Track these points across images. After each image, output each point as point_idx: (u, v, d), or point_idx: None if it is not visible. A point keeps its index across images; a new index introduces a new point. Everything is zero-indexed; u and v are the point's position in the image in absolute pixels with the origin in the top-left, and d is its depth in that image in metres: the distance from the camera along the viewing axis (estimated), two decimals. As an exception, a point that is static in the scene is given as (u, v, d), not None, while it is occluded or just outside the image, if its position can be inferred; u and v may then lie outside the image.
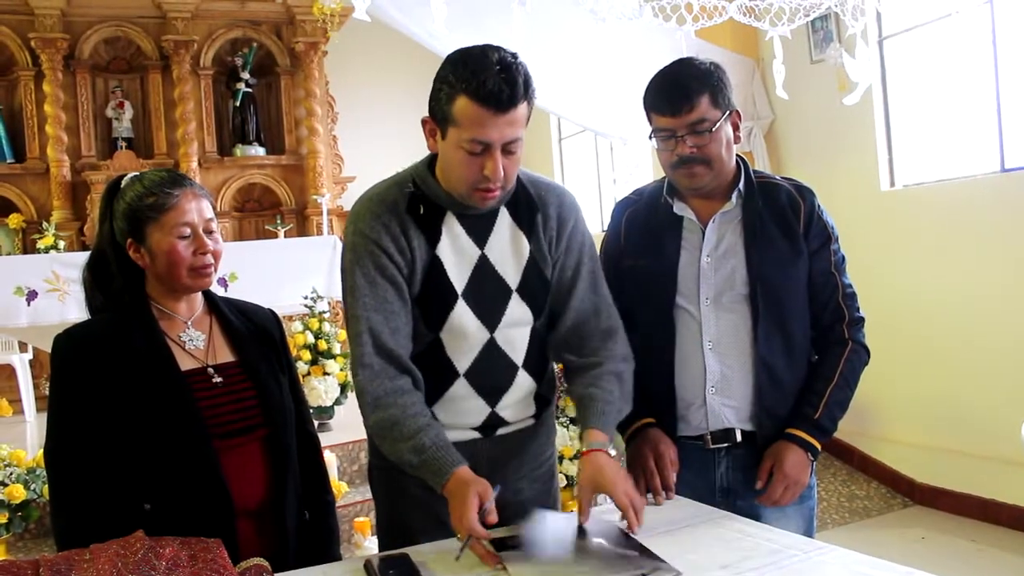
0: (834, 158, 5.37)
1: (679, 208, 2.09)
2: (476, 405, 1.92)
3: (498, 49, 1.72)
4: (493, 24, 4.19)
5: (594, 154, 8.23)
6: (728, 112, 2.00)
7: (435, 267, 1.84)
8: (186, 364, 1.83)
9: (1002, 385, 4.36)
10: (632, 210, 2.19)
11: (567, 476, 4.16)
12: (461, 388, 1.91)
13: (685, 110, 1.95)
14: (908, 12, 4.73)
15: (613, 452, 1.98)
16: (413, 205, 1.85)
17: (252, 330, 1.97)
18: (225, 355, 1.90)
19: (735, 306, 2.04)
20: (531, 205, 1.91)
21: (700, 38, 4.59)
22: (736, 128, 2.05)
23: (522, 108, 1.71)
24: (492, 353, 1.90)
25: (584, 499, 1.79)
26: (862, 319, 2.11)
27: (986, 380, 4.46)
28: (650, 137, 2.07)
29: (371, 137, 8.64)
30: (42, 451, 1.82)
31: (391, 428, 1.77)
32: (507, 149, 1.72)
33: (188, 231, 1.81)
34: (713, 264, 2.05)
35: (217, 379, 1.85)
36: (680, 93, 1.96)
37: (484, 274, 1.87)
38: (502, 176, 1.73)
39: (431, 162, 1.87)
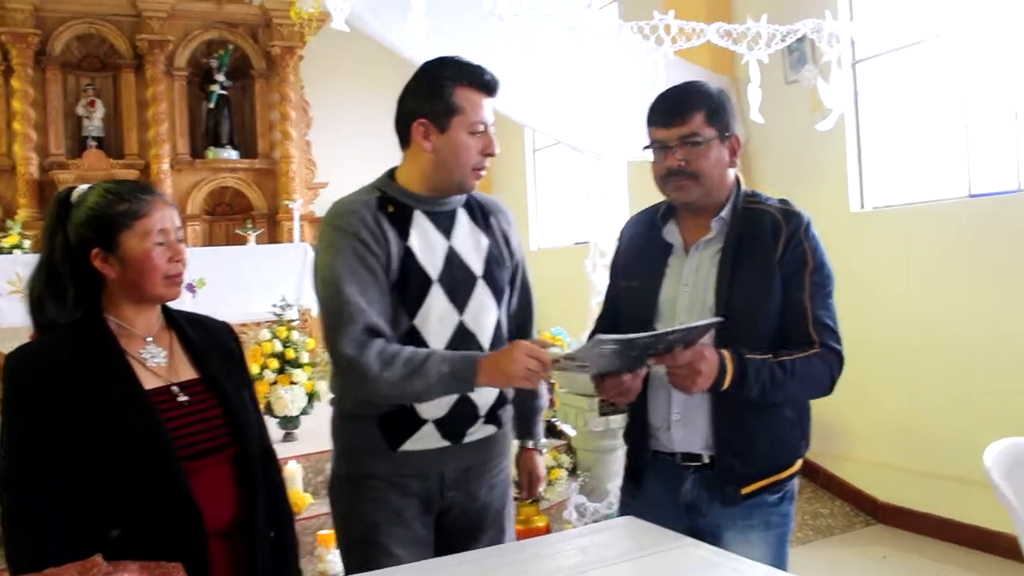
0: (806, 178, 5.41)
1: (667, 233, 2.14)
2: None
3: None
4: (471, 37, 4.19)
5: (568, 165, 8.23)
6: (725, 135, 2.04)
7: (409, 256, 2.02)
8: (149, 382, 1.77)
9: (966, 406, 4.42)
10: (633, 231, 2.26)
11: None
12: None
13: (677, 122, 2.02)
14: (881, 37, 4.79)
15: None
16: (382, 205, 2.06)
17: (212, 344, 1.94)
18: (187, 372, 1.86)
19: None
20: (483, 209, 2.19)
21: (678, 55, 4.61)
22: (733, 153, 2.08)
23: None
24: (463, 335, 2.06)
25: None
26: (839, 354, 2.04)
27: (951, 401, 4.51)
28: (645, 149, 2.12)
29: (345, 143, 8.61)
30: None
31: (406, 365, 1.90)
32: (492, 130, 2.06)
33: (163, 238, 1.79)
34: (689, 292, 2.08)
35: (182, 397, 1.81)
36: (675, 106, 2.05)
37: (453, 263, 2.07)
38: (495, 152, 2.05)
39: (392, 172, 2.13)
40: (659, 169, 2.08)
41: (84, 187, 1.85)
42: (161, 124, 7.98)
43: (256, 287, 5.47)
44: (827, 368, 2.02)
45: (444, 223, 2.10)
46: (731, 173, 2.10)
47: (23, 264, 5.17)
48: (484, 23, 3.80)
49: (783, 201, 2.11)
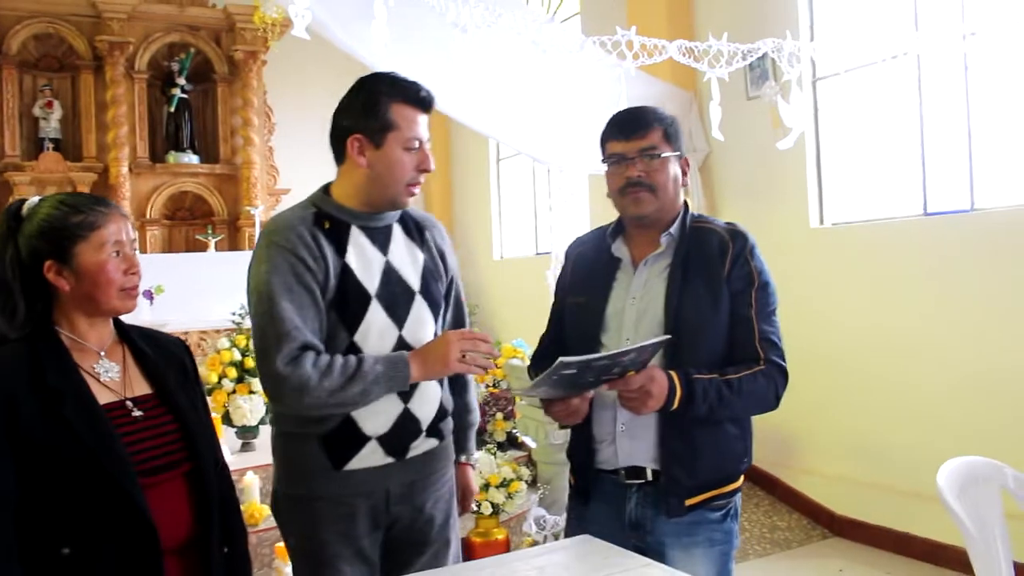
0: (767, 193, 5.47)
1: (616, 249, 2.19)
2: (390, 403, 2.06)
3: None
4: (432, 46, 4.19)
5: (531, 176, 8.25)
6: (678, 154, 2.13)
7: (346, 273, 2.03)
8: (103, 397, 1.75)
9: (922, 421, 4.48)
10: (580, 250, 2.31)
11: (493, 504, 4.13)
12: None
13: (638, 136, 2.10)
14: (841, 56, 4.86)
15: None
16: (319, 221, 2.06)
17: (165, 359, 1.92)
18: (141, 387, 1.84)
19: None
20: (418, 225, 2.21)
21: (640, 69, 4.64)
22: (684, 174, 2.16)
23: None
24: (403, 349, 2.06)
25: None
26: (783, 370, 2.11)
27: (906, 415, 4.58)
28: (603, 161, 2.18)
29: (308, 150, 8.49)
30: None
31: (343, 372, 1.94)
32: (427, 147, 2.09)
33: (118, 249, 1.77)
34: (635, 306, 2.12)
35: (137, 412, 1.78)
36: (635, 121, 2.12)
37: (391, 278, 2.08)
38: (429, 168, 2.07)
39: (326, 188, 2.14)
40: (617, 181, 2.13)
41: (35, 199, 1.81)
42: (120, 127, 7.87)
43: (214, 294, 5.41)
44: (772, 384, 2.09)
45: (380, 238, 2.11)
46: (680, 194, 2.16)
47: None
48: (447, 34, 3.80)
49: (729, 223, 2.19)
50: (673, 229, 2.14)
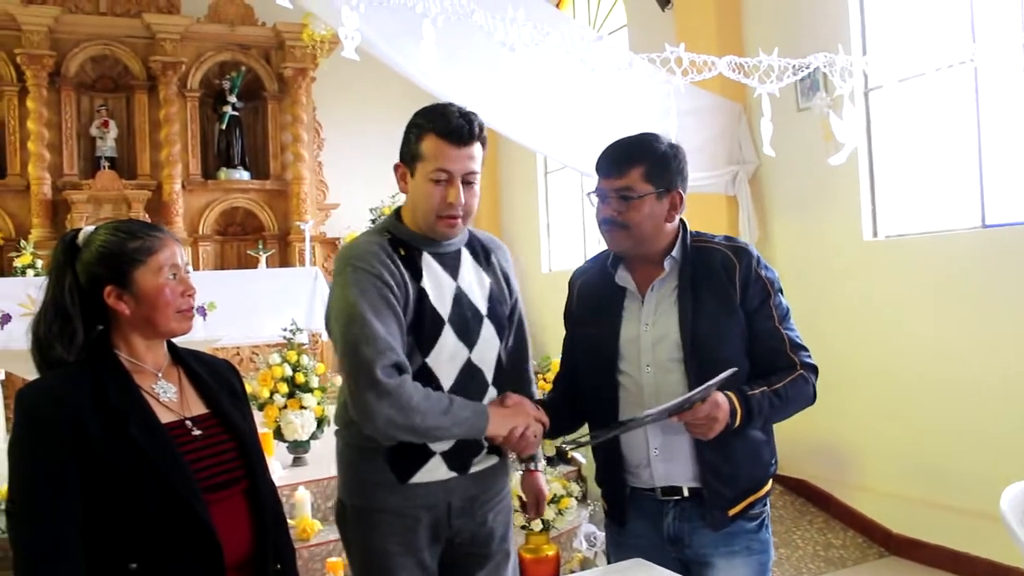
0: (818, 205, 5.40)
1: (620, 278, 2.21)
2: None
3: (456, 105, 2.10)
4: (481, 64, 4.20)
5: (579, 188, 8.23)
6: (664, 191, 2.12)
7: (423, 298, 2.08)
8: (164, 417, 1.80)
9: (981, 438, 4.38)
10: (583, 279, 2.33)
11: (543, 520, 4.12)
12: None
13: (614, 175, 2.12)
14: (894, 66, 4.78)
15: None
16: (395, 247, 2.11)
17: (217, 380, 1.97)
18: (198, 407, 1.89)
19: (673, 369, 2.12)
20: (485, 248, 2.26)
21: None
22: (674, 208, 2.15)
23: (477, 146, 2.08)
24: (470, 370, 2.13)
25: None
26: (814, 367, 2.17)
27: (964, 432, 4.47)
28: (588, 195, 2.22)
29: (356, 165, 8.64)
30: (6, 502, 1.73)
31: (438, 402, 2.00)
32: (466, 180, 2.07)
33: (174, 273, 1.83)
34: (651, 331, 2.15)
35: (196, 432, 1.83)
36: (614, 160, 2.13)
37: (462, 303, 2.13)
38: (463, 202, 2.06)
39: (398, 213, 2.19)
40: (597, 215, 2.17)
41: (89, 228, 1.87)
42: (173, 145, 8.02)
43: (266, 310, 5.47)
44: (809, 384, 2.15)
45: (450, 263, 2.16)
46: (669, 226, 2.16)
47: (35, 287, 5.17)
48: (495, 52, 3.81)
49: (728, 237, 2.22)
50: (675, 252, 2.16)
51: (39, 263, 7.10)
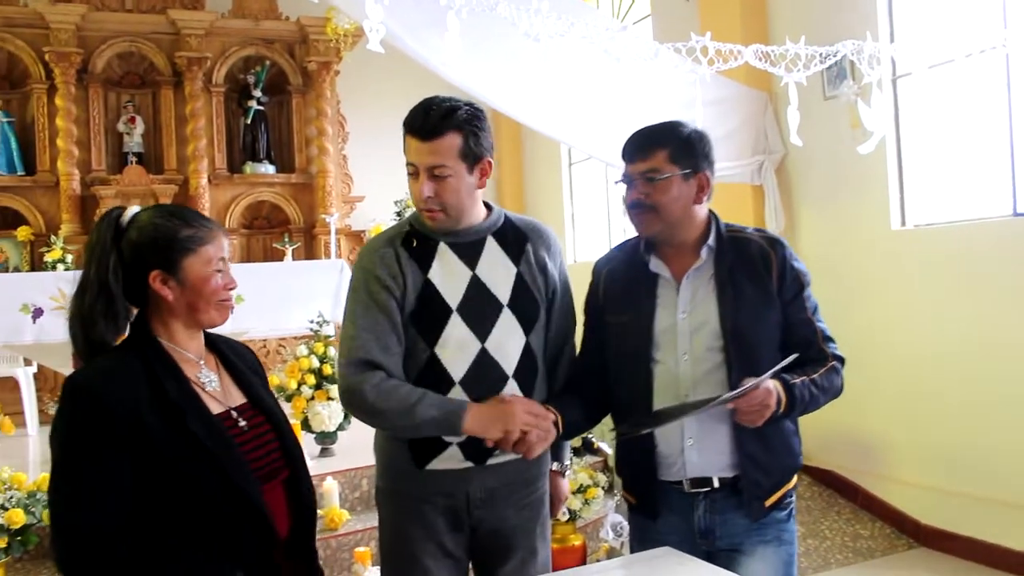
0: (845, 194, 5.35)
1: (655, 265, 2.19)
2: None
3: (447, 97, 2.09)
4: (506, 55, 4.20)
5: (604, 180, 8.22)
6: (690, 172, 2.11)
7: (428, 288, 2.11)
8: (214, 409, 1.80)
9: (1012, 429, 4.33)
10: (610, 268, 2.31)
11: (570, 510, 4.13)
12: (457, 395, 2.10)
13: (638, 159, 2.12)
14: (923, 53, 4.72)
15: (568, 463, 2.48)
16: (408, 240, 2.16)
17: (247, 366, 1.99)
18: (237, 396, 1.91)
19: (711, 359, 2.12)
20: (518, 236, 2.22)
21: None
22: (701, 190, 2.14)
23: (444, 140, 2.04)
24: (485, 362, 2.11)
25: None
26: (843, 359, 2.18)
27: (996, 423, 4.42)
28: (616, 183, 2.23)
29: (381, 157, 8.63)
30: (48, 482, 1.73)
31: (400, 402, 2.02)
32: (434, 174, 2.06)
33: (221, 266, 1.84)
34: (688, 320, 2.14)
35: (242, 423, 1.85)
36: (638, 144, 2.16)
37: (476, 291, 2.13)
38: (428, 195, 2.07)
39: None
40: (625, 200, 2.17)
41: (135, 208, 1.88)
42: (199, 140, 8.07)
43: (293, 303, 5.50)
44: (840, 376, 2.17)
45: (469, 253, 2.16)
46: (698, 209, 2.15)
47: (66, 280, 5.24)
48: (519, 43, 3.80)
49: (759, 229, 2.24)
50: (711, 241, 2.15)
51: (69, 258, 7.19)
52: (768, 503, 2.13)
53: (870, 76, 4.08)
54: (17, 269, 7.56)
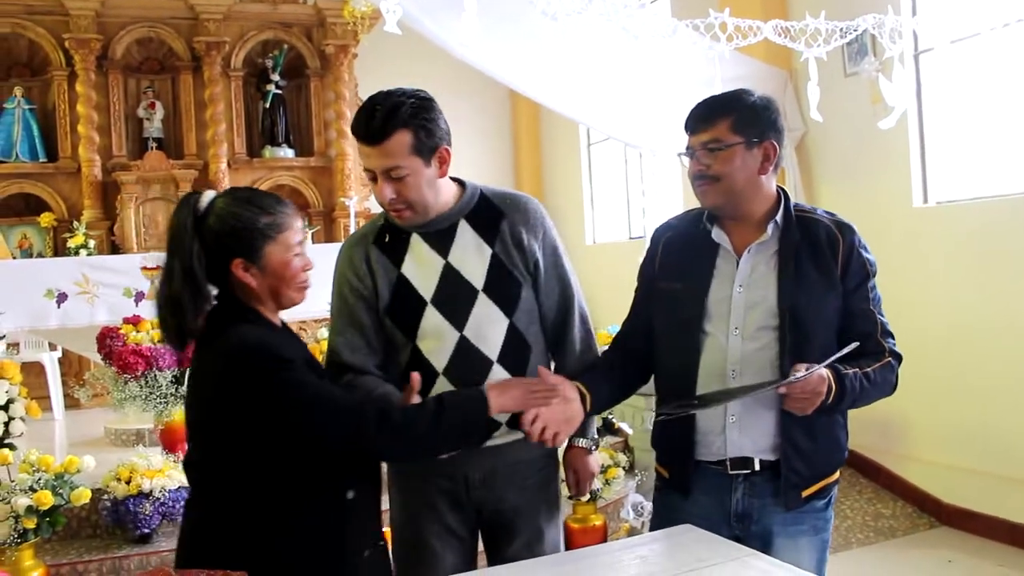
0: (866, 172, 5.31)
1: (716, 235, 2.13)
2: None
3: (388, 93, 2.01)
4: (523, 35, 4.19)
5: (623, 160, 8.19)
6: (755, 141, 2.04)
7: (402, 282, 2.11)
8: None
9: (1034, 407, 4.30)
10: (670, 235, 2.25)
11: (591, 491, 4.13)
12: (443, 386, 2.09)
13: (700, 129, 2.08)
14: (946, 28, 4.65)
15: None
16: (380, 235, 2.16)
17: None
18: None
19: (763, 337, 2.05)
20: (492, 215, 2.15)
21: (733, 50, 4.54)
22: (767, 160, 2.07)
23: (392, 142, 1.97)
24: (465, 350, 2.10)
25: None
26: (900, 356, 2.11)
27: (1017, 402, 4.39)
28: (679, 155, 2.16)
29: (399, 140, 8.65)
30: (185, 423, 1.95)
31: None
32: (390, 175, 2.01)
33: (299, 248, 1.89)
34: (744, 294, 2.07)
35: None
36: (701, 114, 2.09)
37: (450, 280, 2.11)
38: (391, 197, 2.02)
39: None
40: (689, 173, 2.12)
41: (211, 194, 1.90)
42: (219, 124, 8.10)
43: (314, 285, 5.53)
44: (894, 373, 2.09)
45: (442, 241, 2.13)
46: (764, 180, 2.08)
47: (90, 266, 5.30)
48: (537, 22, 3.79)
49: (830, 213, 2.15)
50: (778, 217, 2.08)
51: (91, 243, 7.26)
52: (805, 493, 2.07)
53: (892, 51, 4.03)
54: (41, 255, 7.63)
